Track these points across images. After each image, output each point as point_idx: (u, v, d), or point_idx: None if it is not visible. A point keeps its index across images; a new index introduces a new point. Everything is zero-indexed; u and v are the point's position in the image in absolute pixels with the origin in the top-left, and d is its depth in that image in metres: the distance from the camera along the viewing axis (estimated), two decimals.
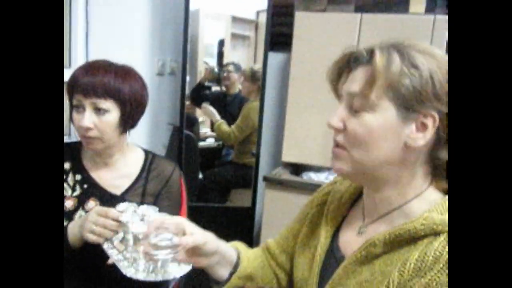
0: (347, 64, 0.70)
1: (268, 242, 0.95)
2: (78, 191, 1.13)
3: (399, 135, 0.65)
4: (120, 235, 0.90)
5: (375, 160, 0.67)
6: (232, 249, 0.87)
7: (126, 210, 0.93)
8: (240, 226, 2.29)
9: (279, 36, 2.33)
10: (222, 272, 0.84)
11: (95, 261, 1.06)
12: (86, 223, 0.96)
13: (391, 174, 0.68)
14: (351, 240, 0.75)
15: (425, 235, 0.63)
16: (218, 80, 2.56)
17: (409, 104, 0.63)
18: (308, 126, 1.97)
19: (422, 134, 0.64)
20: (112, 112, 1.06)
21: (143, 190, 1.16)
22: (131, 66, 1.13)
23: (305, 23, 2.00)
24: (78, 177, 1.14)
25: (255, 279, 0.88)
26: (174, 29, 2.29)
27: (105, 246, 0.88)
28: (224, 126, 2.45)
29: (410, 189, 0.69)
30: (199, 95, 2.51)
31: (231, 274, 0.85)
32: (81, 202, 1.11)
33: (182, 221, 0.78)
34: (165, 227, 0.75)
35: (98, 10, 2.03)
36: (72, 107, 1.09)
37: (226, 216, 2.33)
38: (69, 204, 1.11)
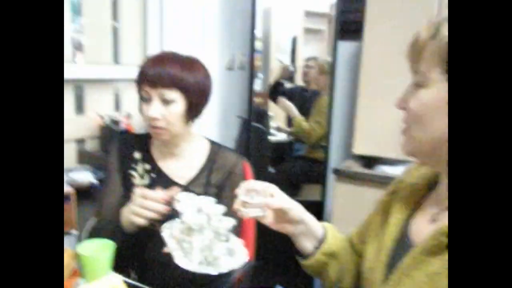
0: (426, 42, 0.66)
1: (351, 231, 0.94)
2: (146, 180, 1.17)
3: None
4: (179, 224, 0.91)
5: (433, 136, 0.63)
6: (319, 225, 0.88)
7: (183, 200, 0.94)
8: None
9: (349, 24, 2.24)
10: (307, 244, 0.86)
11: (150, 248, 1.10)
12: (131, 205, 1.00)
13: None
14: (423, 229, 0.70)
15: None
16: (291, 78, 2.55)
17: None
18: (381, 117, 1.86)
19: None
20: (178, 102, 1.08)
21: (206, 181, 1.18)
22: (196, 57, 1.15)
23: (378, 6, 1.89)
24: (147, 166, 1.18)
25: (339, 258, 0.88)
26: (245, 25, 2.31)
27: (164, 234, 0.90)
28: (305, 123, 2.41)
29: None
30: (277, 92, 2.50)
31: (316, 248, 0.86)
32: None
33: (271, 186, 0.83)
34: (254, 189, 0.80)
35: (171, 7, 2.10)
36: (140, 98, 1.12)
37: None
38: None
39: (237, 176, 1.20)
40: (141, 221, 0.98)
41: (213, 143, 1.24)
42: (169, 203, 0.97)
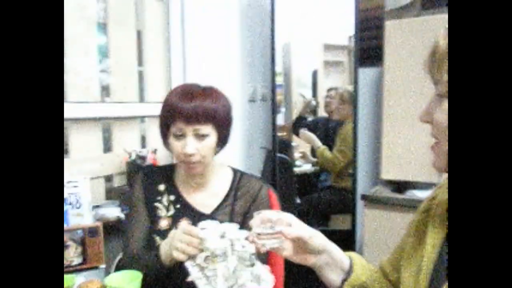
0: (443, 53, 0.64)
1: (381, 260, 0.88)
2: (172, 211, 1.17)
3: None
4: (203, 253, 0.89)
5: None
6: (344, 255, 0.83)
7: (207, 227, 0.92)
8: (341, 249, 2.17)
9: (369, 51, 2.25)
10: (333, 277, 0.80)
11: (174, 277, 1.07)
12: (173, 241, 0.97)
13: None
14: None
15: None
16: (314, 111, 2.56)
17: None
18: (408, 140, 1.83)
19: None
20: (211, 136, 1.10)
21: (231, 209, 1.17)
22: (215, 86, 1.16)
23: (397, 32, 1.90)
24: (172, 197, 1.19)
25: None
26: (265, 59, 2.35)
27: (187, 264, 0.88)
28: (327, 152, 2.40)
29: None
30: (300, 126, 2.52)
31: (343, 280, 0.80)
32: (174, 221, 1.15)
33: (287, 215, 0.78)
34: (270, 220, 0.77)
35: (193, 40, 2.17)
36: (167, 133, 1.13)
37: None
38: (164, 223, 1.16)
39: (261, 201, 1.19)
40: (183, 257, 0.95)
41: (235, 171, 1.24)
42: None
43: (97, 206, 1.71)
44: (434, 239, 0.70)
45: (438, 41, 0.62)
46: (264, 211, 0.80)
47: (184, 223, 1.04)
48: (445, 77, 0.61)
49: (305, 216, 2.43)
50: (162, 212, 1.17)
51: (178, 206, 1.18)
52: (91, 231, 1.26)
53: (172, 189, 1.20)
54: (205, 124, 1.07)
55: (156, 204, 1.19)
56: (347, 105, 2.36)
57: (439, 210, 0.72)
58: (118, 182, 1.99)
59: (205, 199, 1.18)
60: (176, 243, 0.96)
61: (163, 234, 1.12)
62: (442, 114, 0.62)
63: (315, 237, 0.77)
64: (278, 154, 2.27)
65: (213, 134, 1.10)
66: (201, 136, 1.08)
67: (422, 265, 0.70)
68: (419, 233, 0.75)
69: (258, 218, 0.77)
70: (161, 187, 1.21)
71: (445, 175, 0.72)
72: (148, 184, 1.21)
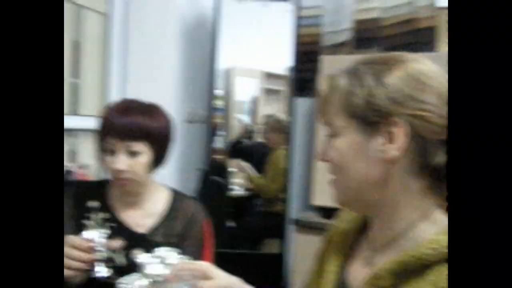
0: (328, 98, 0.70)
1: None
2: (103, 230, 1.10)
3: (369, 151, 0.62)
4: (140, 279, 0.86)
5: (356, 182, 0.64)
6: None
7: (143, 253, 0.90)
8: (270, 273, 2.19)
9: (305, 82, 2.36)
10: None
11: None
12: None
13: (382, 195, 0.63)
14: (359, 274, 0.68)
15: (435, 262, 0.57)
16: (250, 137, 2.60)
17: (366, 116, 0.61)
18: None
19: (393, 144, 0.60)
20: (144, 153, 1.07)
21: (167, 230, 1.14)
22: (157, 104, 1.15)
23: (331, 66, 2.02)
24: (104, 215, 1.11)
25: None
26: (206, 81, 2.37)
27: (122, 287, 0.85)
28: (261, 180, 2.44)
29: (411, 210, 0.63)
30: (236, 150, 2.54)
31: None
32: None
33: (205, 265, 0.75)
34: (186, 272, 0.72)
35: (133, 57, 2.14)
36: (100, 148, 1.09)
37: (255, 263, 2.24)
38: None
39: (198, 223, 1.17)
40: (72, 273, 0.90)
41: (173, 190, 1.22)
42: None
43: None
44: (334, 266, 0.73)
45: (320, 88, 0.69)
46: (182, 262, 0.77)
47: (71, 237, 0.95)
48: (330, 118, 0.66)
49: (237, 239, 2.43)
50: (92, 230, 1.10)
51: (111, 224, 1.11)
52: None
53: (104, 206, 1.13)
54: (138, 141, 1.04)
55: (87, 222, 1.11)
56: (276, 133, 2.44)
57: (337, 239, 0.75)
58: None
59: (140, 218, 1.14)
60: (65, 259, 0.91)
61: None
62: (333, 153, 0.65)
63: (236, 287, 0.75)
64: (213, 177, 2.27)
65: (147, 152, 1.07)
66: (133, 153, 1.05)
67: None
68: (321, 262, 0.78)
69: (175, 271, 0.74)
70: (93, 203, 1.13)
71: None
72: (78, 200, 1.14)
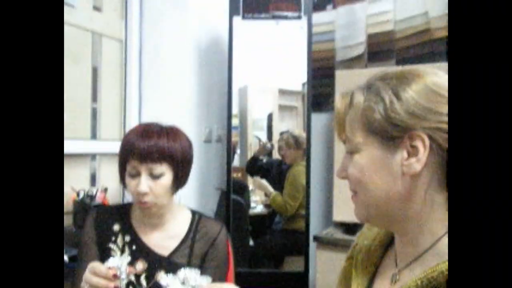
0: (345, 114, 0.69)
1: None
2: (127, 253, 1.12)
3: (391, 166, 0.61)
4: None
5: (379, 197, 0.63)
6: None
7: (167, 274, 0.90)
8: None
9: (321, 97, 2.36)
10: None
11: None
12: (82, 283, 0.93)
13: (406, 210, 0.62)
14: None
15: None
16: (270, 154, 2.61)
17: (386, 131, 0.61)
18: None
19: (415, 158, 0.59)
20: (166, 175, 1.08)
21: (189, 251, 1.15)
22: (176, 126, 1.17)
23: (346, 81, 2.02)
24: (127, 238, 1.14)
25: None
26: (221, 100, 2.40)
27: None
28: (279, 198, 2.43)
29: (436, 223, 0.61)
30: (254, 167, 2.54)
31: None
32: (130, 264, 1.10)
33: (230, 286, 0.76)
34: None
35: (150, 81, 2.19)
36: (124, 171, 1.11)
37: (278, 283, 2.20)
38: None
39: (220, 244, 1.18)
40: None
41: (194, 212, 1.22)
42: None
43: None
44: (358, 285, 0.72)
45: (337, 105, 0.68)
46: (207, 285, 0.77)
47: (94, 264, 0.96)
48: (349, 135, 0.66)
49: (258, 258, 2.41)
50: (116, 253, 1.12)
51: (133, 247, 1.13)
52: None
53: (127, 229, 1.15)
54: (160, 163, 1.06)
55: (110, 245, 1.13)
56: (293, 149, 2.44)
57: (361, 257, 0.74)
58: (64, 222, 1.89)
59: (162, 240, 1.15)
60: (83, 285, 0.92)
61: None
62: (354, 169, 0.65)
63: None
64: (233, 196, 2.27)
65: (169, 173, 1.09)
66: (156, 175, 1.07)
67: None
68: (346, 281, 0.77)
69: None
70: (116, 227, 1.15)
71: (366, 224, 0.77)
72: (101, 224, 1.16)
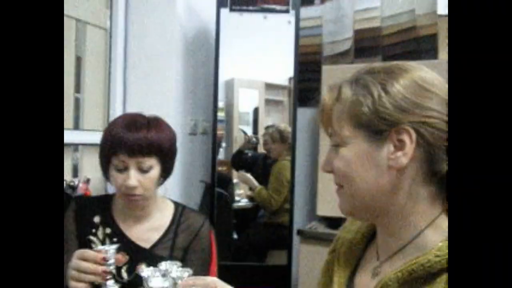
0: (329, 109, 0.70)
1: None
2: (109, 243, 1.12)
3: (377, 160, 0.62)
4: None
5: (364, 191, 0.64)
6: None
7: (148, 266, 0.90)
8: (276, 285, 2.17)
9: (307, 92, 2.37)
10: None
11: None
12: (68, 270, 0.92)
13: (390, 203, 0.63)
14: (367, 284, 0.68)
15: (443, 270, 0.56)
16: (255, 148, 2.61)
17: (373, 125, 0.61)
18: None
19: (401, 152, 0.60)
20: (155, 168, 1.08)
21: (172, 244, 1.14)
22: (159, 117, 1.15)
23: (332, 76, 2.02)
24: (108, 230, 1.13)
25: None
26: (207, 93, 2.38)
27: None
28: (264, 192, 2.43)
29: (419, 217, 0.63)
30: (239, 161, 2.54)
31: None
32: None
33: (214, 280, 0.75)
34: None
35: (135, 71, 2.16)
36: (108, 164, 1.08)
37: (261, 276, 2.21)
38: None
39: (203, 237, 1.17)
40: (80, 286, 0.91)
41: (177, 204, 1.22)
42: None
43: None
44: (340, 278, 0.72)
45: (324, 98, 0.69)
46: (189, 278, 0.76)
47: (81, 250, 0.96)
48: (336, 128, 0.66)
49: (242, 251, 2.42)
50: (96, 245, 1.11)
51: (115, 239, 1.12)
52: None
53: (108, 221, 1.14)
54: (149, 157, 1.05)
55: (90, 237, 1.12)
56: (277, 144, 2.44)
57: (343, 250, 0.75)
58: None
59: (144, 232, 1.14)
60: (71, 271, 0.92)
61: None
62: (340, 163, 0.65)
63: None
64: (217, 189, 2.26)
65: (157, 166, 1.08)
66: (144, 169, 1.06)
67: None
68: (327, 274, 0.78)
69: (182, 286, 0.73)
70: (96, 219, 1.14)
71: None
72: (81, 216, 1.14)
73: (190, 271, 0.85)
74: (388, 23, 2.21)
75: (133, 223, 1.14)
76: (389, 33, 2.20)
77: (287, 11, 2.10)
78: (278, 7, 2.09)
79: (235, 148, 2.56)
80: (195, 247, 1.15)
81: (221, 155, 2.44)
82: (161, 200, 1.19)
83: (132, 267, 1.09)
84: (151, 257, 1.10)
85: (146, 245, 1.12)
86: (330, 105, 0.67)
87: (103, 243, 1.11)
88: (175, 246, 1.14)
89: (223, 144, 2.49)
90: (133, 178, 1.04)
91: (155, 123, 1.10)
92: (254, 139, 2.58)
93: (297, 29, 2.15)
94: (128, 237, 1.12)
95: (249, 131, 2.62)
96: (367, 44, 2.23)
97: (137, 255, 1.10)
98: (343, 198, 0.68)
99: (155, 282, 0.83)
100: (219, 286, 0.73)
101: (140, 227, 1.14)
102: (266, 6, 2.10)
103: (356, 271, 0.72)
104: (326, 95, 0.68)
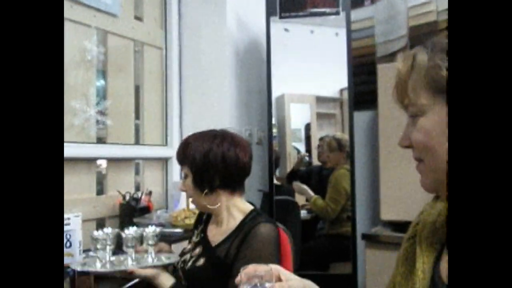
0: (406, 78, 0.66)
1: None
2: (197, 239, 1.31)
3: None
4: None
5: (446, 162, 0.59)
6: None
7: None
8: None
9: (362, 95, 2.30)
10: None
11: None
12: None
13: None
14: None
15: None
16: (309, 165, 2.58)
17: None
18: (405, 178, 1.82)
19: None
20: (189, 176, 1.24)
21: (230, 245, 1.20)
22: (195, 134, 1.28)
23: (389, 74, 1.95)
24: (201, 227, 1.34)
25: None
26: (261, 104, 2.40)
27: None
28: (320, 201, 2.38)
29: None
30: (294, 177, 2.52)
31: None
32: (194, 247, 1.29)
33: (276, 267, 0.72)
34: (258, 275, 0.70)
35: (190, 86, 2.22)
36: None
37: (327, 285, 2.13)
38: (189, 246, 1.33)
39: (253, 241, 1.17)
40: None
41: (252, 210, 1.26)
42: None
43: (88, 250, 1.63)
44: (424, 264, 0.67)
45: (398, 67, 0.65)
46: (250, 265, 0.73)
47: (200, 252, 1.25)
48: (413, 98, 0.63)
49: (304, 262, 2.35)
50: (194, 237, 1.34)
51: (202, 235, 1.30)
52: (82, 271, 1.20)
53: (207, 221, 1.34)
54: (183, 165, 1.26)
55: (195, 230, 1.37)
56: (335, 152, 2.38)
57: (425, 233, 0.70)
58: (110, 225, 1.93)
59: (217, 233, 1.27)
60: None
61: (183, 253, 1.31)
62: (419, 134, 0.62)
63: None
64: (281, 197, 2.25)
65: (190, 174, 1.24)
66: (184, 176, 1.27)
67: None
68: (408, 262, 0.72)
69: (244, 274, 0.71)
70: (204, 217, 1.37)
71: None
72: (200, 214, 1.41)
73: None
74: (443, 17, 2.12)
75: (213, 226, 1.31)
76: (445, 27, 2.10)
77: (337, 13, 2.07)
78: (328, 10, 2.07)
79: (288, 164, 2.54)
80: (244, 251, 1.17)
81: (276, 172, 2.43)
82: (239, 207, 1.26)
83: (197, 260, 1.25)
84: (213, 255, 1.21)
85: (213, 244, 1.24)
86: (405, 74, 0.64)
87: (197, 236, 1.33)
88: (231, 247, 1.19)
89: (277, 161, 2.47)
90: (180, 183, 1.32)
91: (191, 137, 1.27)
92: (306, 158, 2.55)
93: (349, 30, 2.11)
94: (207, 235, 1.29)
95: (301, 147, 2.59)
96: (424, 40, 2.14)
97: (207, 251, 1.24)
98: (425, 173, 0.64)
99: None
100: (282, 273, 0.70)
101: (215, 230, 1.29)
102: (315, 10, 2.09)
103: (442, 255, 0.67)
104: (400, 64, 0.65)
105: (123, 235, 1.20)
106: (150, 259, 1.22)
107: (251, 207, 1.28)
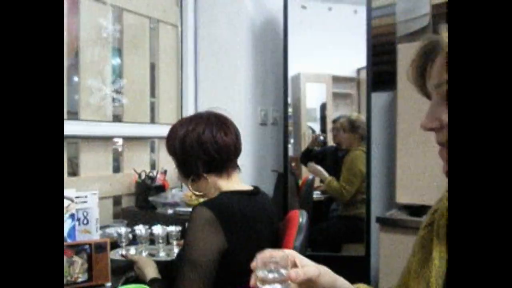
0: (427, 58, 0.64)
1: None
2: None
3: None
4: None
5: None
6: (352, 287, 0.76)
7: None
8: (355, 276, 2.08)
9: (381, 76, 2.25)
10: None
11: None
12: None
13: None
14: None
15: None
16: (324, 144, 2.55)
17: None
18: (422, 162, 1.79)
19: None
20: (174, 163, 1.23)
21: None
22: (189, 116, 1.24)
23: (409, 54, 1.90)
24: None
25: None
26: (276, 84, 2.37)
27: None
28: (334, 183, 2.36)
29: None
30: (308, 157, 2.50)
31: None
32: None
33: (292, 253, 0.71)
34: (273, 261, 0.69)
35: (205, 65, 2.19)
36: None
37: (339, 266, 2.14)
38: None
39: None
40: None
41: (251, 192, 1.21)
42: None
43: (105, 227, 1.67)
44: (441, 252, 0.66)
45: (421, 47, 0.64)
46: (266, 250, 0.72)
47: None
48: (436, 78, 0.60)
49: (316, 243, 2.36)
50: None
51: None
52: (98, 247, 1.22)
53: None
54: (169, 155, 1.23)
55: None
56: (349, 133, 2.34)
57: (443, 222, 0.68)
58: (126, 203, 1.96)
59: None
60: None
61: None
62: (443, 116, 0.60)
63: (323, 276, 0.70)
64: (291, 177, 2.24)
65: (175, 163, 1.23)
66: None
67: (431, 281, 0.65)
68: (424, 249, 0.71)
69: (260, 260, 0.69)
70: None
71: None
72: None
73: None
74: None
75: None
76: None
77: None
78: None
79: (304, 144, 2.51)
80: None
81: (289, 151, 2.41)
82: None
83: None
84: None
85: None
86: (428, 53, 0.62)
87: None
88: None
89: (291, 140, 2.45)
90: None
91: (174, 125, 1.22)
92: (321, 137, 2.51)
93: (369, 7, 2.05)
94: None
95: (316, 127, 2.56)
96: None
97: None
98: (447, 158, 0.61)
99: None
100: (297, 258, 0.70)
101: None
102: None
103: None
104: (423, 43, 0.63)
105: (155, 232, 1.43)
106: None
107: (246, 188, 1.21)
